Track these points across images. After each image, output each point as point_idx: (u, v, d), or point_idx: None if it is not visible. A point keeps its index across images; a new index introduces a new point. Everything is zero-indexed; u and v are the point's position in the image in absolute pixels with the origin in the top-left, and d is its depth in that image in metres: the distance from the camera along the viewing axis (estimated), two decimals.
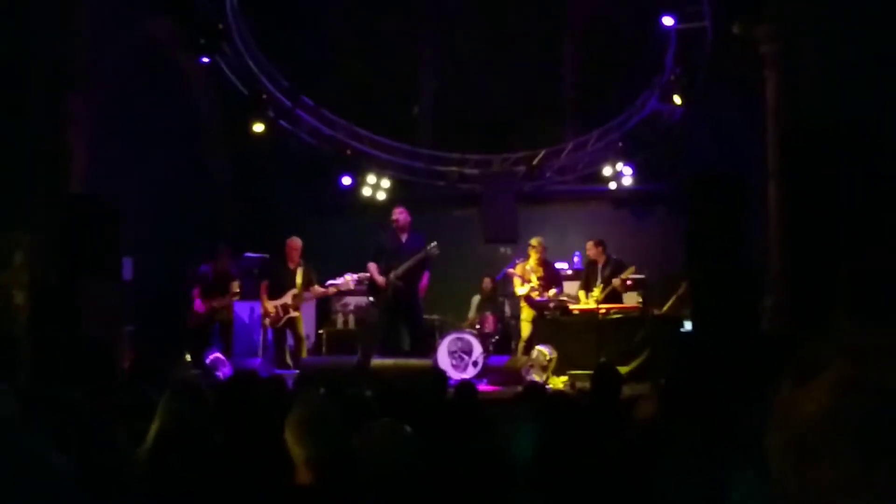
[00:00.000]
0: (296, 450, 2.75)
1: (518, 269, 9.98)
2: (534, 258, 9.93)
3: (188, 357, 8.86)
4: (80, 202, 8.72)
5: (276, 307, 9.38)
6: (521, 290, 9.92)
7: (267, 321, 9.49)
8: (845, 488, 1.01)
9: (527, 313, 9.93)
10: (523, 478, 2.32)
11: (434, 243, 9.11)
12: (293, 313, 9.42)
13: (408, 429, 2.55)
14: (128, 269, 9.77)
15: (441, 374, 6.11)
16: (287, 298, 9.37)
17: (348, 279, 9.84)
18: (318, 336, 10.51)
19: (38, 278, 8.20)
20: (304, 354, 9.59)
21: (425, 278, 9.28)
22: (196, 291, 9.27)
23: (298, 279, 9.43)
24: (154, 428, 3.13)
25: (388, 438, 2.54)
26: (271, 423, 3.56)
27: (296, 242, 9.54)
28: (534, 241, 10.01)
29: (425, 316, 9.98)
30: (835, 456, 1.03)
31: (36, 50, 8.44)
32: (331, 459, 2.67)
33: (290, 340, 9.67)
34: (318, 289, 9.62)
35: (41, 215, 8.42)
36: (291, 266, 9.49)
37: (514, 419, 2.55)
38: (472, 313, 10.92)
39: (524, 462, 2.32)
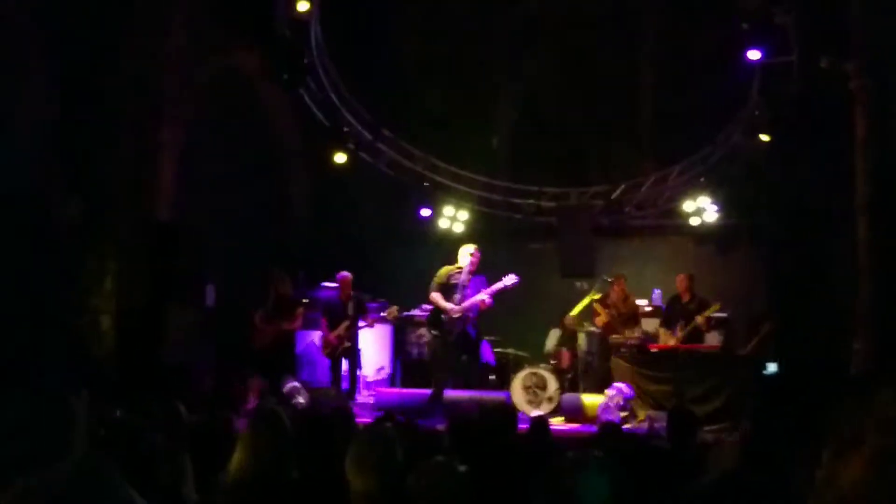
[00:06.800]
0: (354, 482, 2.75)
1: (597, 303, 9.99)
2: (616, 291, 9.88)
3: (266, 385, 8.97)
4: (167, 230, 9.01)
5: (335, 336, 9.59)
6: (598, 319, 9.96)
7: (326, 351, 9.68)
8: None
9: (604, 347, 9.82)
10: None
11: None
12: (346, 344, 9.60)
13: (462, 468, 2.52)
14: (210, 295, 10.03)
15: (513, 410, 6.04)
16: (340, 330, 9.56)
17: (393, 309, 9.99)
18: (393, 366, 10.55)
19: (126, 303, 8.46)
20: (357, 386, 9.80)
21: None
22: (258, 315, 9.41)
23: (350, 311, 9.67)
24: (236, 458, 3.18)
25: (440, 477, 2.51)
26: (338, 456, 3.58)
27: (346, 277, 9.81)
28: (614, 276, 9.98)
29: (499, 350, 9.88)
30: None
31: (126, 80, 8.76)
32: (387, 496, 2.65)
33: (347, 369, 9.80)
34: (362, 322, 9.87)
35: (130, 242, 8.72)
36: (343, 299, 9.71)
37: (587, 464, 2.48)
38: (549, 347, 10.76)
39: None
